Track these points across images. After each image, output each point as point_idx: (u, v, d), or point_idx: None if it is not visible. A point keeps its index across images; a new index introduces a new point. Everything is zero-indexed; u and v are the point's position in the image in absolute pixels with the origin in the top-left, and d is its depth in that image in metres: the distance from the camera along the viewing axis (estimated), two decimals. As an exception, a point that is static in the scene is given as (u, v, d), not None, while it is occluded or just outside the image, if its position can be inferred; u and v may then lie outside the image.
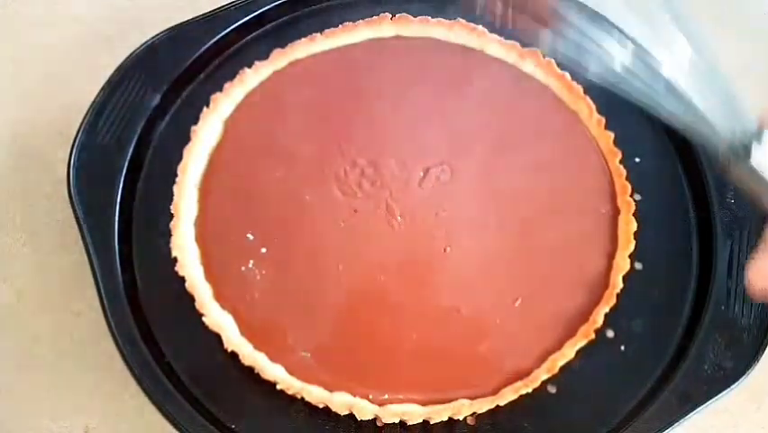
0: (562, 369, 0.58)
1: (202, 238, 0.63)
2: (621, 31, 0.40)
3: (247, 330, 0.59)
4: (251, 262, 0.62)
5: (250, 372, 0.58)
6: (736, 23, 0.82)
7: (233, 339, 0.59)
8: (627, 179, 0.65)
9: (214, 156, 0.67)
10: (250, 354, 0.58)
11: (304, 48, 0.71)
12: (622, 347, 0.61)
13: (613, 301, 0.60)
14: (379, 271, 0.62)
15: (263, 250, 0.63)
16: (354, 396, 0.57)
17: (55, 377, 0.64)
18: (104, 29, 0.81)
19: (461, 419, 0.57)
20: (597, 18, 0.43)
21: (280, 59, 0.71)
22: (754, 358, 0.58)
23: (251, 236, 0.63)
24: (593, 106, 0.68)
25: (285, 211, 0.64)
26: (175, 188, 0.64)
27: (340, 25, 0.72)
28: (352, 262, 0.62)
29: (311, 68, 0.71)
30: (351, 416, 0.56)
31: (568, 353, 0.58)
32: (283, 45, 0.71)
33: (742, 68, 0.79)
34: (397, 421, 0.56)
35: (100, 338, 0.59)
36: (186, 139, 0.66)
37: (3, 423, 0.62)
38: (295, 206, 0.64)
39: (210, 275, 0.61)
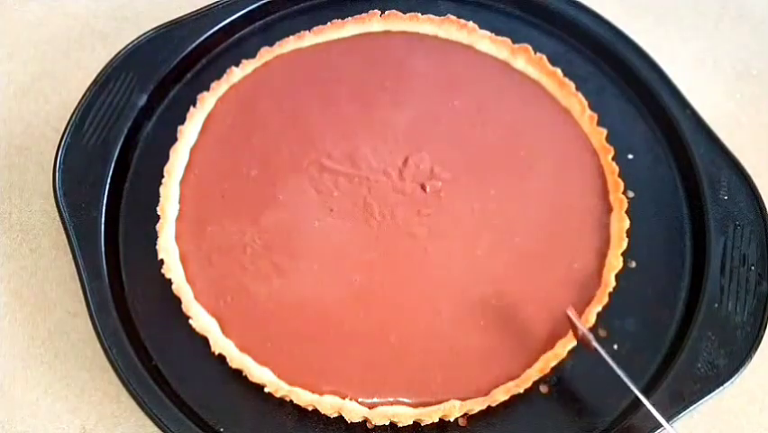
0: (554, 369, 0.57)
1: (180, 238, 0.63)
2: None
3: (229, 331, 0.59)
4: (228, 262, 0.62)
5: (238, 374, 0.57)
6: (738, 23, 0.82)
7: (220, 341, 0.58)
8: (620, 176, 0.64)
9: (193, 154, 0.67)
10: (237, 357, 0.58)
11: (292, 45, 0.71)
12: (615, 346, 0.60)
13: (605, 300, 0.59)
14: (357, 271, 0.61)
15: (240, 250, 0.62)
16: (343, 399, 0.57)
17: (52, 378, 0.63)
18: (100, 26, 0.81)
19: (452, 420, 0.57)
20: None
21: (268, 57, 0.70)
22: (747, 356, 0.58)
23: (228, 237, 0.63)
24: (585, 103, 0.68)
25: (260, 211, 0.64)
26: (161, 190, 0.64)
27: (329, 22, 0.72)
28: (327, 262, 0.62)
29: (292, 62, 0.71)
30: (340, 418, 0.56)
31: (560, 352, 0.58)
32: (271, 43, 0.71)
33: (743, 66, 0.79)
34: (387, 423, 0.56)
35: (96, 339, 0.59)
36: (173, 139, 0.66)
37: (-1, 424, 0.62)
38: (269, 205, 0.64)
39: (189, 276, 0.61)
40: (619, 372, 0.54)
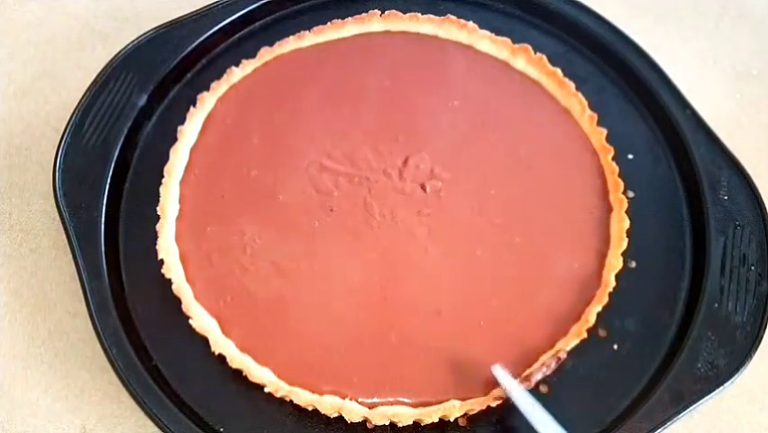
0: (555, 369, 0.57)
1: (180, 238, 0.63)
2: None
3: (229, 331, 0.59)
4: (228, 263, 0.62)
5: (238, 374, 0.57)
6: (738, 23, 0.82)
7: (220, 341, 0.58)
8: (620, 176, 0.64)
9: (193, 154, 0.67)
10: (238, 357, 0.58)
11: (292, 45, 0.71)
12: (615, 346, 0.60)
13: (605, 300, 0.59)
14: (357, 271, 0.61)
15: (240, 250, 0.62)
16: (343, 399, 0.57)
17: (52, 378, 0.63)
18: (100, 26, 0.81)
19: (452, 420, 0.57)
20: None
21: (268, 57, 0.71)
22: (747, 356, 0.58)
23: (228, 237, 0.63)
24: (585, 103, 0.68)
25: (260, 211, 0.64)
26: (161, 190, 0.64)
27: (329, 22, 0.72)
28: (327, 262, 0.62)
29: (292, 62, 0.71)
30: (340, 418, 0.56)
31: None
32: (271, 43, 0.71)
33: (743, 66, 0.79)
34: (387, 423, 0.56)
35: (96, 339, 0.59)
36: (173, 139, 0.66)
37: (-1, 425, 0.62)
38: (269, 205, 0.64)
39: (189, 276, 0.61)
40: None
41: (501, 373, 0.56)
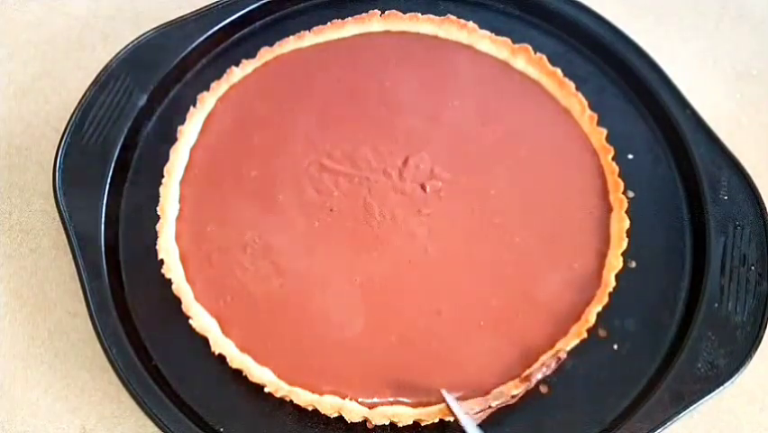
0: (554, 369, 0.57)
1: (180, 238, 0.63)
2: None
3: (229, 331, 0.59)
4: (228, 262, 0.62)
5: (238, 374, 0.57)
6: (738, 23, 0.82)
7: (220, 341, 0.58)
8: (620, 176, 0.64)
9: (193, 154, 0.67)
10: (238, 357, 0.58)
11: (292, 45, 0.71)
12: (615, 346, 0.60)
13: (605, 300, 0.59)
14: (357, 271, 0.61)
15: (240, 250, 0.62)
16: (343, 399, 0.57)
17: (52, 378, 0.63)
18: (100, 26, 0.81)
19: (452, 420, 0.56)
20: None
21: (268, 57, 0.71)
22: (747, 356, 0.58)
23: (228, 237, 0.63)
24: (585, 103, 0.68)
25: (260, 211, 0.64)
26: (161, 190, 0.64)
27: (329, 22, 0.72)
28: (327, 262, 0.62)
29: (292, 62, 0.71)
30: (340, 418, 0.56)
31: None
32: (271, 43, 0.71)
33: (743, 66, 0.79)
34: (386, 423, 0.56)
35: (96, 339, 0.59)
36: (173, 139, 0.66)
37: (-2, 425, 0.62)
38: (269, 205, 0.64)
39: (189, 276, 0.61)
40: None
41: (450, 399, 0.56)
